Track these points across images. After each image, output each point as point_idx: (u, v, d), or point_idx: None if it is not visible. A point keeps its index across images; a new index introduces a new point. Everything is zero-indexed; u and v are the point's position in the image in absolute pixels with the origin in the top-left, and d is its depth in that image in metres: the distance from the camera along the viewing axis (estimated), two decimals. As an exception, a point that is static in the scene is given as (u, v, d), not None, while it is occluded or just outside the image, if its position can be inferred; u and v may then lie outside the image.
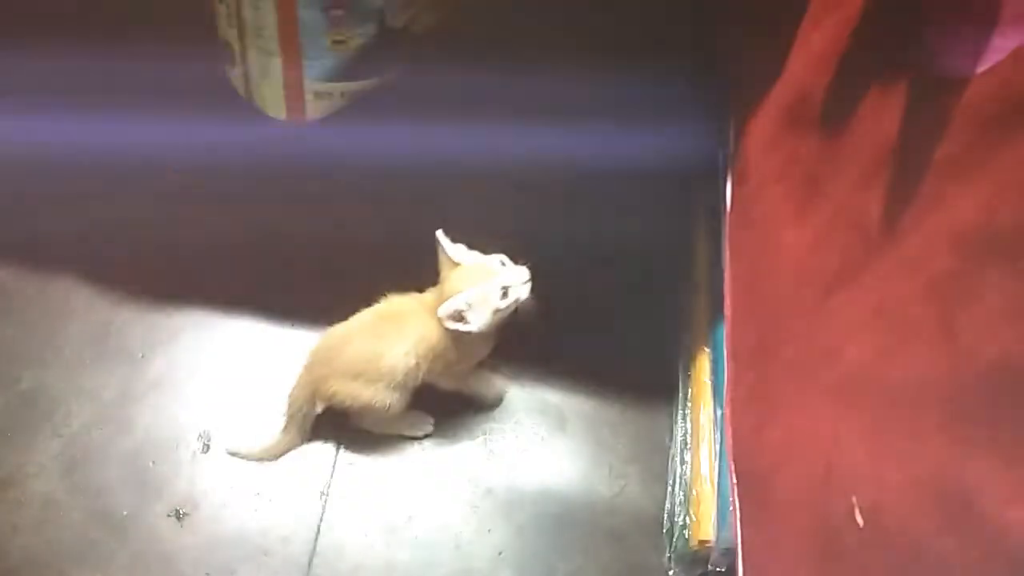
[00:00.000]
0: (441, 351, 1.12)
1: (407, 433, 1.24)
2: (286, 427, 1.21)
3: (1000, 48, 0.53)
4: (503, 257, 1.10)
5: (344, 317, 1.20)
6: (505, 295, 1.06)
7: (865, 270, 0.69)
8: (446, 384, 1.22)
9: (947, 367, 0.56)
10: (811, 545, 0.73)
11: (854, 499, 0.65)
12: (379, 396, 1.13)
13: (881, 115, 0.69)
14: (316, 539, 1.17)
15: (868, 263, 0.69)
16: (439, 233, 1.09)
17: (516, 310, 1.10)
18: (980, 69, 0.55)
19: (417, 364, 1.12)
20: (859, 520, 0.64)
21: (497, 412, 1.28)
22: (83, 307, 1.34)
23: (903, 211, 0.64)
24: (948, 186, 0.59)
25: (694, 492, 1.12)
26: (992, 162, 0.53)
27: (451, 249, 1.09)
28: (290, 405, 1.19)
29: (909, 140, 0.64)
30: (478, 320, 1.06)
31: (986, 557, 0.51)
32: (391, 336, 1.12)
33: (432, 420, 1.25)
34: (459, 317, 1.05)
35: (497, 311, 1.07)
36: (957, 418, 0.54)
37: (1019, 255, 0.50)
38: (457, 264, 1.08)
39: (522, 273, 1.08)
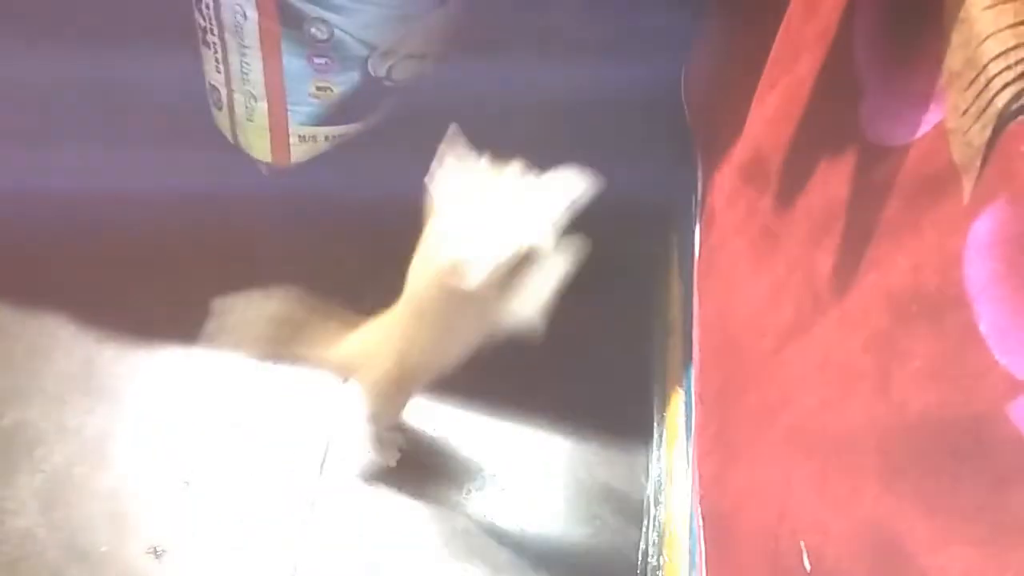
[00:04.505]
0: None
1: (376, 452, 1.24)
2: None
3: (926, 121, 0.57)
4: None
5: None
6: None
7: (814, 323, 0.73)
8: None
9: (881, 419, 0.59)
10: (765, 589, 0.75)
11: (802, 544, 0.67)
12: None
13: (828, 176, 0.73)
14: (292, 578, 1.18)
15: (817, 317, 0.72)
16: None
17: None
18: (909, 140, 0.59)
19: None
20: (807, 565, 0.67)
21: (474, 451, 1.30)
22: (67, 343, 1.36)
23: (847, 269, 0.68)
24: (884, 247, 0.62)
25: (668, 533, 1.13)
26: (919, 227, 0.57)
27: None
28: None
29: (852, 202, 0.68)
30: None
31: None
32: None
33: (398, 453, 1.26)
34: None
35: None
36: (890, 468, 0.57)
37: (941, 316, 0.53)
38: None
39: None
